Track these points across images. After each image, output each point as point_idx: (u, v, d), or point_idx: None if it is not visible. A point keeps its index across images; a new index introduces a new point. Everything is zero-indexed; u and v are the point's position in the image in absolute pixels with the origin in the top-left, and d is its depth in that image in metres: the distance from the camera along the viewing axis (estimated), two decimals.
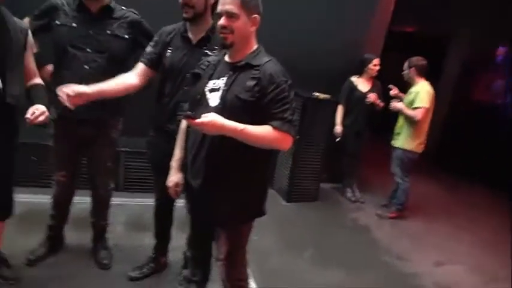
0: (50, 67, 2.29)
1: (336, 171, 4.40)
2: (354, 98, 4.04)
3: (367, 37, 4.19)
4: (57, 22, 2.14)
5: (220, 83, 1.64)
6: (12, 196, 1.98)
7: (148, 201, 2.51)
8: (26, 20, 2.17)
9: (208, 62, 1.77)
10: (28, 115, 1.75)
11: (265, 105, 1.57)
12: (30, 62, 1.99)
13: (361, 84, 4.08)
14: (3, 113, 1.81)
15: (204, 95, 1.68)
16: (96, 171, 2.42)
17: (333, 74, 4.04)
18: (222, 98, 1.61)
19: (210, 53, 2.01)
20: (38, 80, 2.02)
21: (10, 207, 1.98)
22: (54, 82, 2.14)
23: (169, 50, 2.09)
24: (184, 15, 2.02)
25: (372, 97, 3.98)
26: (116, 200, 2.67)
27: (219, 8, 1.62)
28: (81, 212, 2.68)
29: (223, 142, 1.57)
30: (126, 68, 2.18)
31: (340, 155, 4.23)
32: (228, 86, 1.62)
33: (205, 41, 2.05)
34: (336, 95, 4.02)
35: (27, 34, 1.91)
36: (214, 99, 1.64)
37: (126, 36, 2.22)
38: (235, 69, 1.64)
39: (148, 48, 2.13)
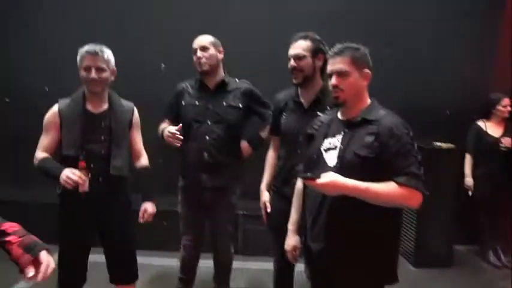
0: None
1: (473, 231, 3.83)
2: (484, 145, 3.59)
3: (491, 75, 3.81)
4: (183, 103, 2.44)
5: (336, 141, 1.61)
6: (135, 261, 2.18)
7: (268, 266, 2.49)
8: (165, 121, 2.48)
9: (321, 121, 1.75)
10: (140, 218, 2.15)
11: (388, 160, 1.49)
12: (136, 141, 2.21)
13: (491, 128, 3.63)
14: (113, 185, 2.05)
15: (320, 154, 1.64)
16: (217, 235, 2.55)
17: (454, 120, 3.71)
18: (340, 156, 1.56)
19: (321, 114, 2.04)
20: (144, 161, 2.24)
21: (135, 271, 2.18)
22: (183, 153, 2.43)
23: (284, 115, 2.19)
24: (294, 80, 2.10)
25: (507, 142, 3.50)
26: (235, 263, 2.71)
27: (329, 68, 1.62)
28: (206, 275, 2.77)
29: (345, 202, 1.49)
30: (241, 133, 2.45)
31: (475, 211, 3.71)
32: (345, 144, 1.57)
33: (317, 104, 2.09)
34: (461, 143, 3.64)
35: (133, 114, 2.16)
36: (331, 158, 1.60)
37: (241, 106, 2.41)
38: (351, 126, 1.60)
39: (271, 119, 2.31)
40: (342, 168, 1.53)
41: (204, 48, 2.34)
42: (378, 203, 1.48)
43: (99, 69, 1.97)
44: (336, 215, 1.55)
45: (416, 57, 3.74)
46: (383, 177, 1.49)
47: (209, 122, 2.36)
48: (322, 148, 1.64)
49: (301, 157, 1.84)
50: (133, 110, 2.18)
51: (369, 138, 1.51)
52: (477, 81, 3.80)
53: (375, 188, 1.46)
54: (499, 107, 3.57)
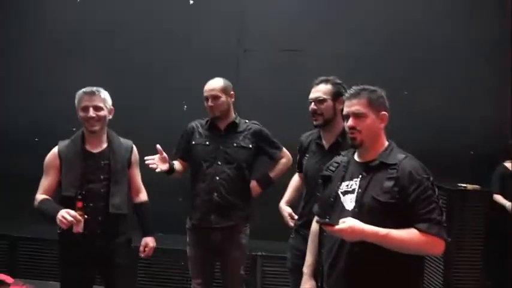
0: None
1: (505, 277, 3.62)
2: (510, 186, 3.48)
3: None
4: (193, 142, 2.45)
5: (354, 184, 1.57)
6: None
7: None
8: (177, 163, 2.44)
9: (337, 163, 1.70)
10: (140, 252, 2.21)
11: (408, 206, 1.45)
12: (135, 178, 2.25)
13: None
14: (112, 223, 2.07)
15: (337, 197, 1.60)
16: (228, 278, 2.47)
17: (477, 161, 3.62)
18: (358, 201, 1.52)
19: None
20: (143, 197, 2.28)
21: None
22: (191, 193, 2.44)
23: (306, 156, 2.20)
24: (315, 122, 2.12)
25: None
26: None
27: (345, 110, 1.61)
28: None
29: (364, 249, 1.44)
30: (251, 173, 2.46)
31: (506, 257, 3.52)
32: (364, 187, 1.52)
33: (337, 146, 2.08)
34: (485, 185, 3.52)
35: (131, 152, 2.20)
36: (349, 202, 1.55)
37: (251, 146, 2.42)
38: (369, 169, 1.55)
39: (298, 157, 2.32)
40: (360, 212, 1.49)
41: (214, 98, 2.36)
42: (398, 250, 1.43)
43: (97, 108, 2.03)
44: (355, 262, 1.49)
45: (438, 97, 3.72)
46: (403, 223, 1.44)
47: (219, 163, 2.37)
48: (340, 191, 1.60)
49: (317, 199, 1.79)
50: (132, 148, 2.22)
51: (389, 183, 1.47)
52: (500, 122, 3.73)
53: (395, 235, 1.42)
54: None
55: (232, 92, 2.45)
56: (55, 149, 2.10)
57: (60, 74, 3.81)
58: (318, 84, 2.12)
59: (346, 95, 1.63)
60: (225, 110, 2.40)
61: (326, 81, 2.11)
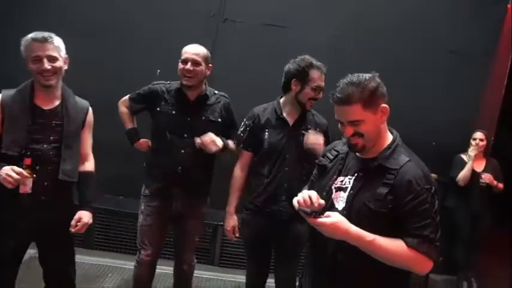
0: (147, 142, 2.40)
1: (451, 261, 3.85)
2: None
3: (479, 114, 3.88)
4: (158, 109, 2.27)
5: (348, 183, 1.42)
6: (74, 272, 2.03)
7: (242, 278, 2.46)
8: (125, 98, 2.40)
9: (337, 151, 1.53)
10: (72, 227, 1.89)
11: (401, 217, 1.31)
12: (86, 143, 2.01)
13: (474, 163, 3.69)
14: (60, 190, 1.86)
15: (330, 192, 1.45)
16: (184, 247, 2.41)
17: (439, 152, 3.75)
18: (348, 202, 1.39)
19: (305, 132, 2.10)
20: (89, 166, 2.03)
21: (72, 283, 2.03)
22: (151, 163, 2.33)
23: (266, 131, 2.19)
24: (309, 108, 2.20)
25: (487, 177, 3.56)
26: (211, 274, 2.67)
27: (338, 117, 1.39)
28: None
29: (348, 257, 1.34)
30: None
31: (454, 242, 3.74)
32: (356, 189, 1.38)
33: (301, 122, 2.15)
34: (444, 176, 3.67)
35: (87, 113, 1.97)
36: (340, 200, 1.41)
37: (219, 120, 2.32)
38: (366, 169, 1.40)
39: (245, 135, 2.24)
40: (349, 215, 1.35)
41: (195, 63, 2.21)
42: (381, 260, 1.31)
43: (51, 58, 1.75)
44: (339, 271, 1.38)
45: (406, 87, 3.78)
46: (393, 234, 1.31)
47: (185, 135, 2.24)
48: (334, 186, 1.45)
49: (312, 184, 1.62)
50: (88, 109, 1.99)
51: (383, 190, 1.32)
52: (467, 120, 3.86)
53: (382, 244, 1.29)
54: (475, 141, 3.64)
55: (210, 65, 2.32)
56: None
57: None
58: (323, 73, 2.19)
59: (334, 98, 1.37)
60: (200, 80, 2.26)
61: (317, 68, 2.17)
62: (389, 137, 1.43)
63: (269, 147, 2.17)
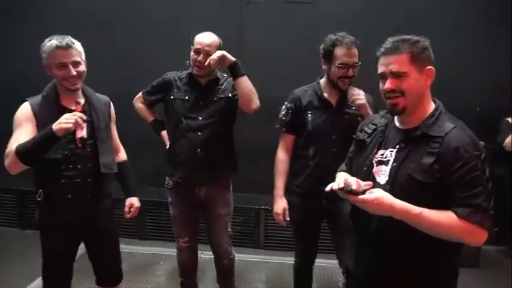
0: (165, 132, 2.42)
1: (502, 231, 3.69)
2: None
3: None
4: (171, 97, 2.29)
5: (389, 155, 1.36)
6: (120, 261, 2.10)
7: (289, 260, 2.49)
8: (139, 95, 2.43)
9: (375, 124, 1.48)
10: (126, 213, 2.12)
11: (449, 187, 1.24)
12: (115, 135, 2.11)
13: None
14: (101, 184, 1.93)
15: (371, 167, 1.40)
16: (215, 236, 2.40)
17: (483, 118, 3.57)
18: (391, 175, 1.33)
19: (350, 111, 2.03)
20: (122, 156, 2.15)
21: (121, 271, 2.10)
22: (171, 150, 2.32)
23: (309, 113, 2.16)
24: (343, 87, 2.11)
25: None
26: (256, 257, 2.71)
27: (381, 69, 1.34)
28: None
29: (394, 225, 1.27)
30: (233, 124, 2.35)
31: (505, 211, 3.58)
32: (399, 161, 1.33)
33: (344, 102, 2.10)
34: (491, 142, 3.49)
35: (109, 107, 2.05)
36: (382, 174, 1.36)
37: (230, 95, 2.27)
38: (409, 139, 1.34)
39: (287, 118, 2.22)
40: (393, 188, 1.30)
41: (207, 54, 2.16)
42: (431, 234, 1.26)
43: (75, 64, 1.81)
44: (384, 237, 1.33)
45: (447, 48, 3.59)
46: (441, 206, 1.26)
47: (200, 118, 2.24)
48: (374, 160, 1.40)
49: (349, 160, 1.58)
50: (109, 103, 2.07)
51: (428, 160, 1.26)
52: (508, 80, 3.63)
53: (430, 216, 1.23)
54: None
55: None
56: (26, 106, 1.82)
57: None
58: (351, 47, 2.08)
59: (381, 49, 1.35)
60: (212, 70, 2.25)
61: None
62: (432, 106, 1.37)
63: (313, 129, 2.15)
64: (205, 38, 2.21)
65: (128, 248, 3.32)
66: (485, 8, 3.53)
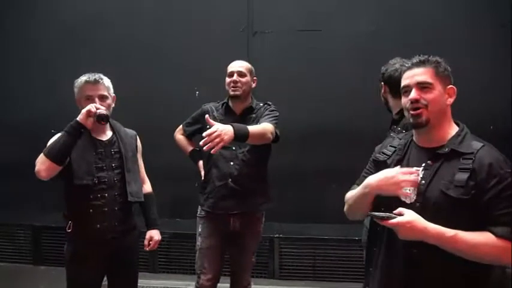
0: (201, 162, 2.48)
1: None
2: None
3: None
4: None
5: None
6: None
7: None
8: (179, 127, 2.53)
9: (394, 147, 1.46)
10: (145, 246, 2.14)
11: (485, 204, 1.21)
12: (141, 167, 2.21)
13: None
14: (127, 212, 2.02)
15: None
16: (240, 266, 2.41)
17: (497, 136, 3.49)
18: (421, 194, 1.29)
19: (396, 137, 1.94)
20: (147, 188, 2.23)
21: None
22: (205, 180, 2.36)
23: None
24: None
25: None
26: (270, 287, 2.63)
27: (406, 82, 1.36)
28: None
29: (426, 252, 1.23)
30: (268, 155, 2.36)
31: None
32: (429, 179, 1.29)
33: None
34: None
35: (136, 140, 2.18)
36: (409, 194, 1.33)
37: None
38: (436, 156, 1.31)
39: None
40: (424, 208, 1.26)
41: (241, 74, 2.32)
42: (467, 257, 1.21)
43: (102, 97, 1.94)
44: (414, 265, 1.28)
45: (458, 68, 3.55)
46: (475, 225, 1.21)
47: (233, 148, 2.27)
48: None
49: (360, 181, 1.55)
50: (136, 136, 2.19)
51: (462, 176, 1.23)
52: None
53: (465, 238, 1.19)
54: None
55: (255, 78, 2.42)
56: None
57: (71, 65, 3.81)
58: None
59: (407, 64, 1.39)
60: (247, 92, 2.34)
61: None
62: (455, 128, 1.37)
63: None
64: (237, 63, 2.37)
65: (141, 282, 3.26)
66: (496, 27, 3.52)
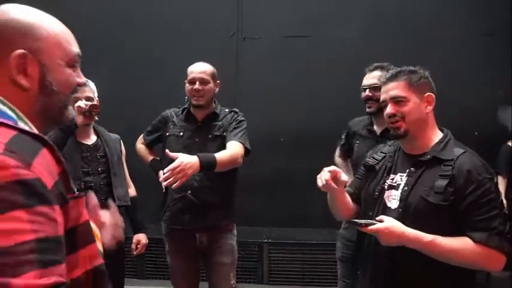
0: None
1: None
2: None
3: None
4: (167, 133, 2.20)
5: (399, 180, 1.38)
6: None
7: None
8: (141, 136, 2.39)
9: (384, 153, 1.51)
10: (133, 250, 2.15)
11: (463, 210, 1.23)
12: (125, 171, 2.21)
13: None
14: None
15: (382, 192, 1.41)
16: (217, 285, 2.19)
17: (482, 142, 3.57)
18: (403, 199, 1.33)
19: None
20: (132, 192, 2.23)
21: None
22: (165, 191, 2.16)
23: (357, 142, 2.20)
24: (368, 109, 2.14)
25: None
26: None
27: (383, 96, 1.41)
28: None
29: (406, 255, 1.26)
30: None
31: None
32: (411, 185, 1.33)
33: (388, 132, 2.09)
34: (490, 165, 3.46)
35: (120, 143, 2.18)
36: (392, 199, 1.36)
37: (225, 134, 2.15)
38: (419, 164, 1.35)
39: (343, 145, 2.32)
40: (404, 214, 1.30)
41: (203, 81, 2.12)
42: (445, 260, 1.24)
43: (88, 99, 1.94)
44: (397, 268, 1.31)
45: (446, 78, 3.63)
46: (454, 231, 1.24)
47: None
48: (385, 185, 1.41)
49: (355, 183, 1.60)
50: (120, 141, 2.20)
51: (442, 182, 1.26)
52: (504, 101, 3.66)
53: (443, 243, 1.22)
54: None
55: (218, 81, 2.23)
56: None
57: None
58: (372, 70, 2.11)
59: (382, 79, 1.46)
60: (210, 99, 2.17)
61: (381, 68, 2.07)
62: (439, 134, 1.40)
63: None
64: (198, 67, 2.17)
65: None
66: (484, 31, 3.59)
